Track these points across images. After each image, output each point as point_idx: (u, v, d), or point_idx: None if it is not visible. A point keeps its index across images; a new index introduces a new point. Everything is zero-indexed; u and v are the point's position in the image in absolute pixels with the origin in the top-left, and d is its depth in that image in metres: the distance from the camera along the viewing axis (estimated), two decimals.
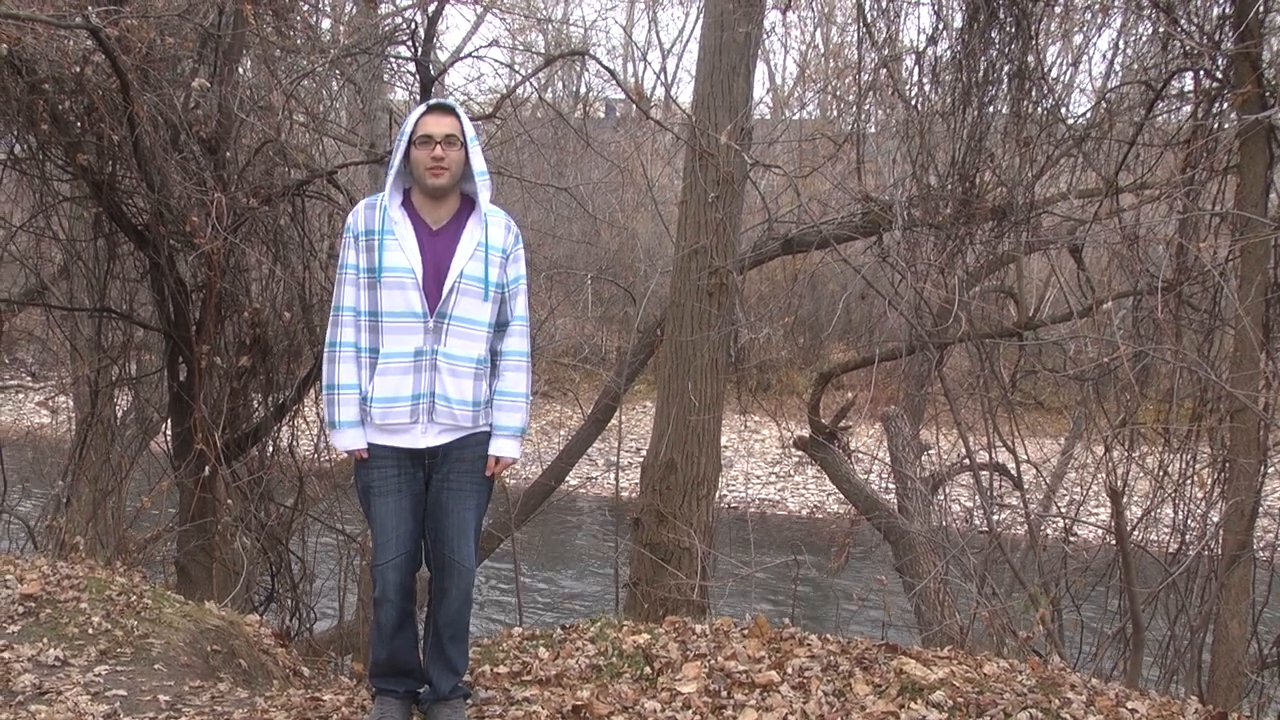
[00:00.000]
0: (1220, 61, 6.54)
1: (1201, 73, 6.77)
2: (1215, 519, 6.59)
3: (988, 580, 7.36)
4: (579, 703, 4.46)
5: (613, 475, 16.70)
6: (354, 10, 12.11)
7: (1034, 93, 7.23)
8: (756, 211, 11.68)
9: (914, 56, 7.67)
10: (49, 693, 4.60)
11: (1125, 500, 6.42)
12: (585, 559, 18.48)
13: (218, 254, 7.41)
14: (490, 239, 4.21)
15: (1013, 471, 8.21)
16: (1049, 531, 9.23)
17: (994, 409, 7.78)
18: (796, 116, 22.81)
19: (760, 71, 28.36)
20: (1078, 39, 8.38)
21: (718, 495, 10.66)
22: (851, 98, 8.99)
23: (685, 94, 27.46)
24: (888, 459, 11.34)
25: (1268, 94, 6.26)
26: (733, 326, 10.04)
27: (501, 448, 4.29)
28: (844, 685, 4.61)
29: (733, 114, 9.49)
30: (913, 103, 7.50)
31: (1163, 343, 6.77)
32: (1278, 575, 6.75)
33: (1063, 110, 7.56)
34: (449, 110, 4.19)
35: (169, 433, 8.79)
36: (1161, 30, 6.93)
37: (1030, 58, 7.12)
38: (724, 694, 4.55)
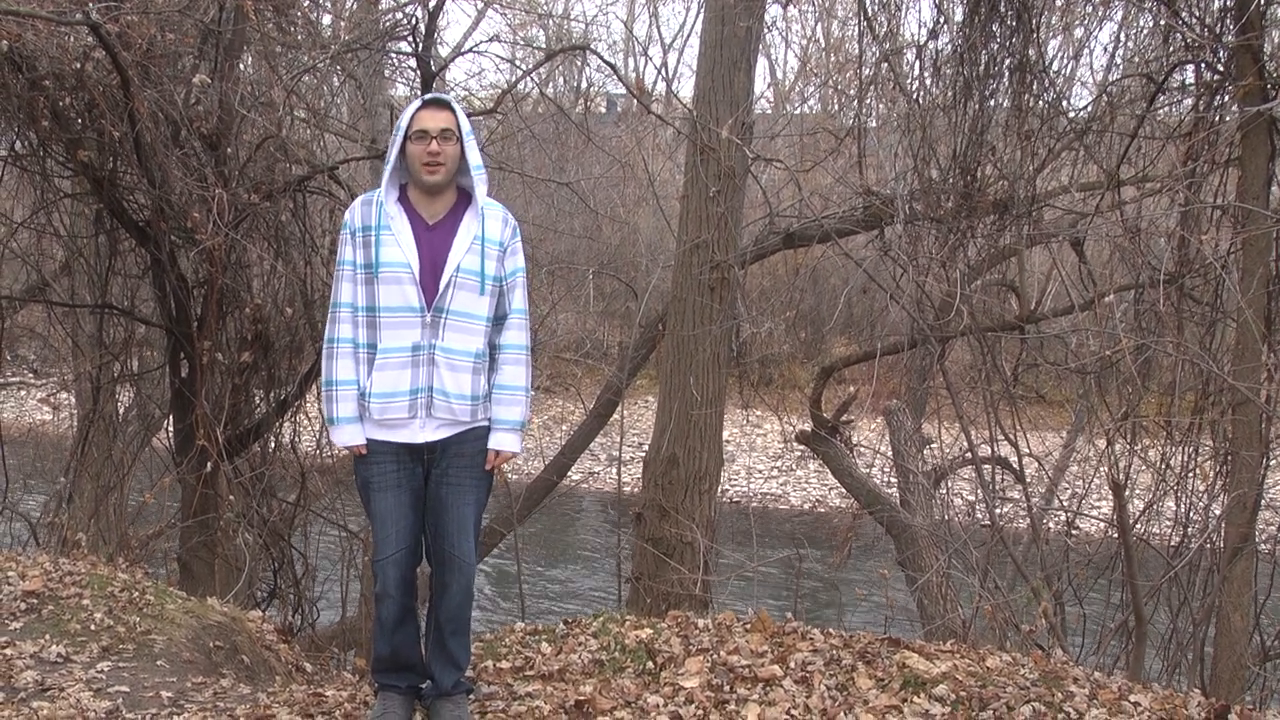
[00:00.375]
0: (1221, 54, 6.54)
1: (1203, 65, 6.76)
2: (1217, 512, 6.59)
3: (990, 574, 7.36)
4: (582, 698, 4.46)
5: (615, 470, 16.69)
6: (355, 6, 12.10)
7: (1035, 86, 7.22)
8: (758, 206, 11.69)
9: (915, 50, 7.66)
10: (51, 689, 4.61)
11: (1127, 493, 6.42)
12: (587, 554, 18.49)
13: (219, 250, 7.40)
14: (487, 232, 4.20)
15: (1015, 465, 8.21)
16: (1051, 525, 9.24)
17: (996, 402, 7.77)
18: (798, 111, 22.80)
19: (761, 66, 28.34)
20: (1079, 32, 8.38)
21: (720, 490, 10.67)
22: (853, 92, 8.98)
23: (686, 89, 27.40)
24: (890, 453, 11.35)
25: (1269, 86, 6.25)
26: (734, 321, 10.04)
27: (501, 441, 4.29)
28: (846, 679, 4.61)
29: (734, 108, 9.49)
30: (914, 96, 7.49)
31: (1164, 335, 6.76)
32: None
33: (1064, 103, 7.56)
34: (444, 105, 4.19)
35: (171, 429, 8.78)
36: (1163, 23, 6.92)
37: (1031, 51, 7.11)
38: (726, 688, 4.55)
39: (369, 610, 7.90)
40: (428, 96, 4.21)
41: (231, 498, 8.28)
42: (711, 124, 9.40)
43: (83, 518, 9.05)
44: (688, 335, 9.68)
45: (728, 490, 20.77)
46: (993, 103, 7.36)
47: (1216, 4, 6.63)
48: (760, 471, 23.31)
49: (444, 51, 13.51)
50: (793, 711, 4.35)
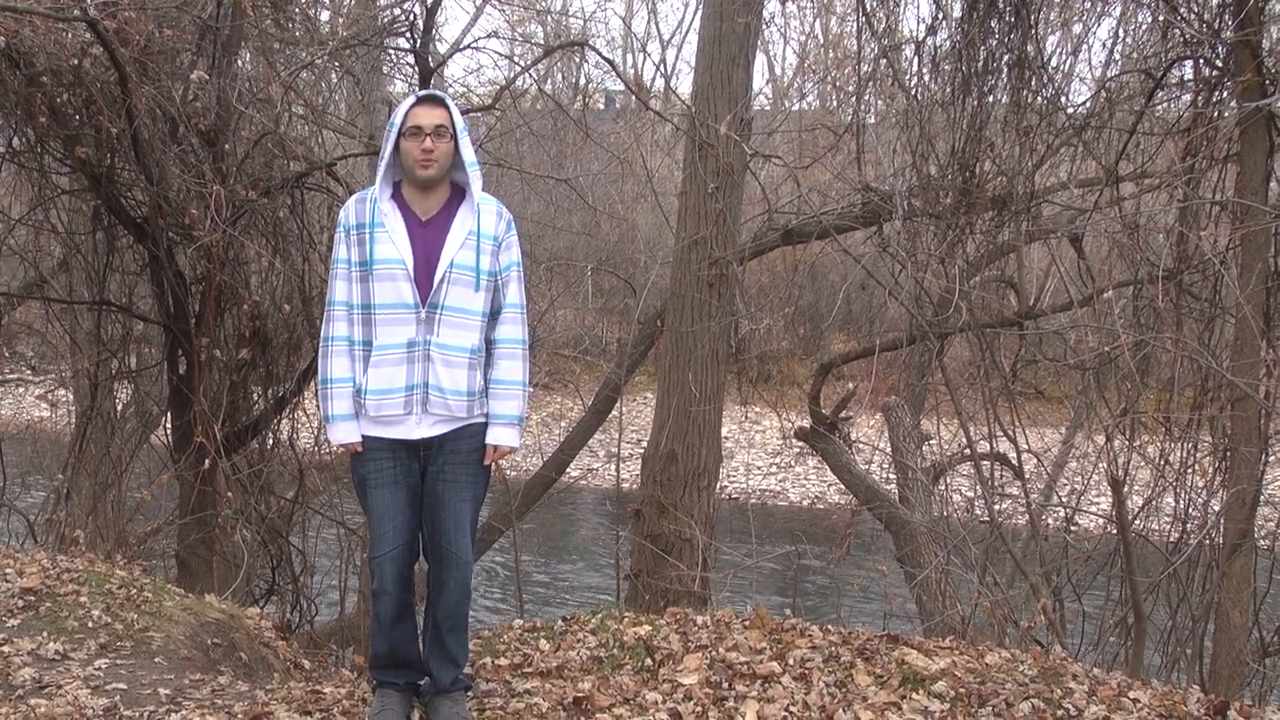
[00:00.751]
0: (1220, 49, 6.53)
1: (1201, 61, 6.75)
2: (1216, 507, 6.58)
3: (989, 570, 7.36)
4: (580, 694, 4.45)
5: (613, 466, 16.69)
6: (353, 2, 12.09)
7: (1034, 82, 7.21)
8: (756, 202, 11.68)
9: (913, 46, 7.65)
10: (49, 686, 4.60)
11: (1126, 489, 6.42)
12: (586, 550, 18.48)
13: (217, 247, 7.39)
14: (482, 227, 4.20)
15: (1014, 461, 8.21)
16: (1050, 521, 9.25)
17: (995, 399, 7.77)
18: (796, 107, 22.77)
19: (760, 62, 28.37)
20: (1077, 28, 8.38)
21: (718, 486, 10.66)
22: (851, 88, 8.99)
23: (685, 85, 27.39)
24: (888, 449, 11.35)
25: (1268, 82, 6.25)
26: (733, 317, 10.03)
27: (498, 436, 4.28)
28: (845, 676, 4.61)
29: (732, 105, 9.47)
30: (912, 92, 7.48)
31: (1163, 331, 6.76)
32: (1279, 564, 6.75)
33: (1063, 99, 7.55)
34: (439, 101, 4.18)
35: (169, 426, 8.77)
36: (1161, 18, 6.92)
37: (1030, 47, 7.11)
38: (725, 685, 4.55)
39: (367, 607, 7.89)
40: (422, 93, 4.21)
41: (230, 495, 8.28)
42: (710, 120, 9.39)
43: (81, 515, 9.05)
44: (686, 331, 9.68)
45: (726, 487, 20.76)
46: (991, 99, 7.36)
47: (1215, 0, 6.62)
48: (759, 468, 23.32)
49: (442, 47, 13.52)
50: (791, 708, 4.34)
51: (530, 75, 12.67)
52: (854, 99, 8.27)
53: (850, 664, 4.72)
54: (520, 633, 5.36)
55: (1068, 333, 8.25)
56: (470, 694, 4.48)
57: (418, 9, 9.65)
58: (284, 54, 8.80)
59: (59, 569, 5.85)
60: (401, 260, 4.11)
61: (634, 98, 12.33)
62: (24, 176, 8.58)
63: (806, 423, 11.69)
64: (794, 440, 12.53)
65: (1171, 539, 6.89)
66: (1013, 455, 8.14)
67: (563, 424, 20.20)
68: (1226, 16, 6.39)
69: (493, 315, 4.28)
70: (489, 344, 4.29)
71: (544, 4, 20.67)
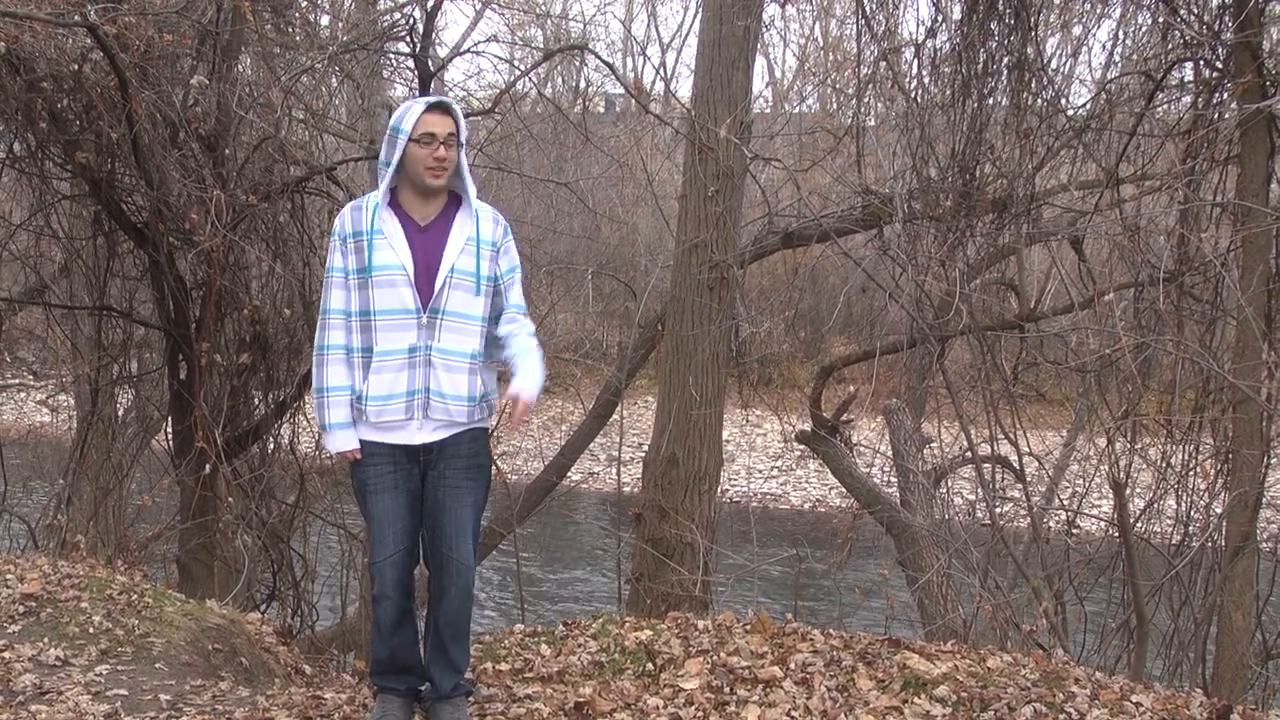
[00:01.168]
0: (1220, 51, 6.53)
1: (1201, 62, 6.75)
2: (1218, 510, 6.58)
3: (990, 574, 7.35)
4: (581, 700, 4.45)
5: (614, 470, 16.68)
6: (352, 6, 12.10)
7: (1034, 84, 7.21)
8: (757, 205, 11.66)
9: (913, 49, 7.65)
10: (50, 692, 4.60)
11: (1128, 492, 6.41)
12: (587, 555, 18.47)
13: (217, 251, 7.39)
14: (481, 233, 4.20)
15: (1015, 464, 8.20)
16: (1052, 524, 9.24)
17: (996, 402, 7.76)
18: (796, 110, 22.75)
19: (759, 65, 28.32)
20: (1077, 30, 8.38)
21: (719, 490, 10.66)
22: (851, 91, 8.97)
23: (685, 88, 27.38)
24: (889, 452, 11.33)
25: (1268, 83, 6.25)
26: (733, 321, 10.02)
27: (521, 387, 4.16)
28: (847, 680, 4.60)
29: (732, 108, 9.47)
30: (912, 95, 7.48)
31: (1164, 334, 6.76)
32: None
33: (1063, 101, 7.55)
34: (448, 109, 4.17)
35: (170, 431, 8.77)
36: (1161, 20, 6.91)
37: (1030, 49, 7.10)
38: (727, 690, 4.54)
39: (368, 612, 7.89)
40: (431, 100, 4.18)
41: (230, 499, 8.28)
42: (710, 123, 9.38)
43: (82, 520, 9.05)
44: (687, 335, 9.67)
45: (727, 490, 20.75)
46: (991, 101, 7.35)
47: (1215, 1, 6.62)
48: (760, 471, 23.30)
49: (442, 52, 13.50)
50: (793, 713, 4.34)
51: (530, 79, 12.69)
52: (854, 102, 8.26)
53: (852, 668, 4.71)
54: (521, 637, 5.35)
55: (1069, 335, 8.25)
56: (471, 699, 4.47)
57: (417, 13, 9.66)
58: (284, 59, 8.80)
59: (60, 574, 5.85)
60: (402, 266, 4.11)
61: (634, 101, 12.33)
62: (25, 182, 8.59)
63: (807, 426, 11.68)
64: (795, 444, 12.51)
65: (1173, 542, 6.89)
66: (1014, 458, 8.13)
67: (563, 428, 20.21)
68: (1226, 18, 6.39)
69: (494, 318, 4.28)
70: (498, 339, 4.27)
71: (543, 8, 20.70)
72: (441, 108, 4.16)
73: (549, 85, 21.94)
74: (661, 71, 28.45)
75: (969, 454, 8.39)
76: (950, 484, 10.75)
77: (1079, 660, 6.09)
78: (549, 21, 22.05)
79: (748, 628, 5.21)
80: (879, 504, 10.32)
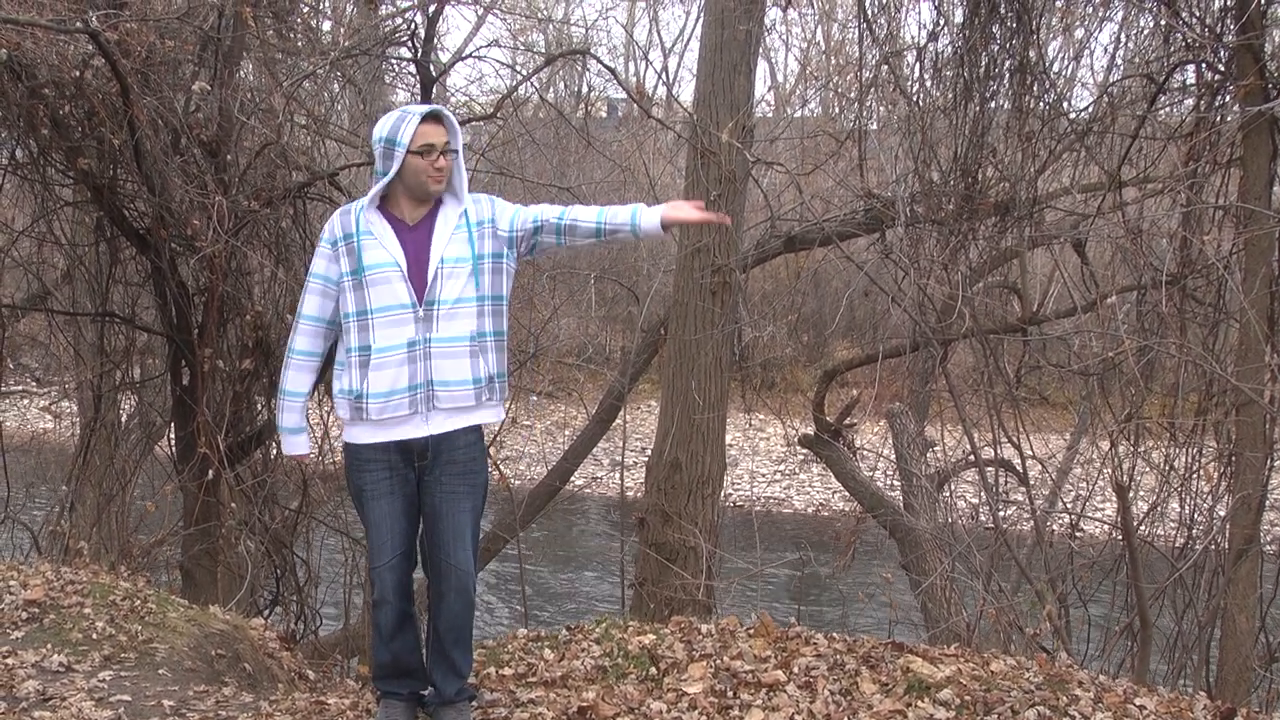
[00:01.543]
0: (1222, 54, 6.53)
1: (1204, 65, 6.75)
2: (1222, 513, 6.58)
3: (994, 577, 7.34)
4: (584, 704, 4.44)
5: (618, 475, 16.68)
6: (354, 12, 12.09)
7: (1036, 87, 7.22)
8: (759, 209, 11.68)
9: (915, 52, 7.65)
10: (53, 699, 4.59)
11: (1131, 495, 6.41)
12: (590, 559, 18.47)
13: (219, 257, 7.39)
14: (469, 217, 4.23)
15: (1018, 467, 8.20)
16: (1055, 527, 9.21)
17: (999, 405, 7.76)
18: (798, 114, 22.78)
19: (761, 69, 28.38)
20: (1079, 33, 8.36)
21: (723, 494, 10.65)
22: (853, 94, 8.96)
23: (687, 93, 27.33)
24: (893, 456, 11.34)
25: (1270, 86, 6.25)
26: (736, 325, 10.02)
27: (652, 212, 4.19)
28: (850, 684, 4.60)
29: (734, 112, 9.48)
30: (914, 99, 7.48)
31: (1167, 337, 6.75)
32: None
33: (1065, 104, 7.55)
34: (442, 118, 4.19)
35: (172, 437, 8.77)
36: (1163, 23, 6.91)
37: (1032, 52, 7.11)
38: (730, 694, 4.54)
39: (370, 617, 7.90)
40: (425, 109, 4.18)
41: (233, 505, 8.27)
42: (712, 128, 9.39)
43: (85, 526, 9.04)
44: (689, 339, 9.67)
45: (731, 494, 20.68)
46: (993, 104, 7.36)
47: (1217, 4, 6.63)
48: (763, 475, 23.29)
49: (444, 57, 13.53)
50: (796, 717, 4.33)
51: (532, 84, 12.66)
52: (856, 105, 8.25)
53: (855, 672, 4.70)
54: (524, 642, 5.35)
55: (1071, 338, 8.25)
56: (475, 704, 4.47)
57: (419, 18, 9.67)
58: (286, 64, 8.80)
59: (63, 581, 5.84)
60: (395, 262, 4.12)
61: (636, 106, 12.33)
62: (27, 188, 8.59)
63: (810, 430, 11.67)
64: (798, 447, 12.51)
65: (1177, 544, 6.89)
66: (1017, 461, 8.13)
67: (566, 432, 20.19)
68: (1228, 20, 6.40)
69: (540, 229, 4.26)
70: (545, 224, 4.25)
71: (545, 13, 20.70)
72: (436, 117, 4.17)
73: (551, 90, 21.93)
74: (663, 76, 28.45)
75: (972, 457, 8.39)
76: (953, 487, 10.74)
77: (1083, 663, 6.08)
78: (551, 26, 22.09)
79: (751, 632, 5.21)
80: (882, 508, 10.31)
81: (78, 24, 6.60)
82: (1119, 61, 8.09)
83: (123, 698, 4.67)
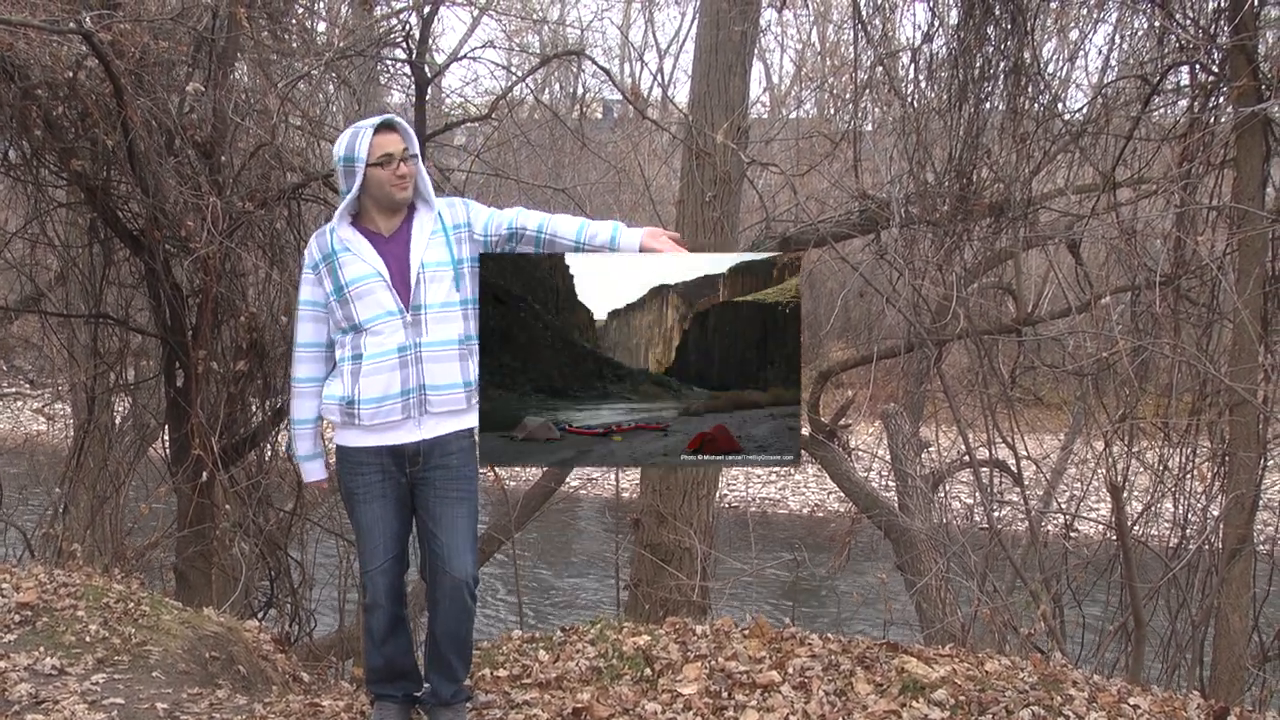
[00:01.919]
0: (1216, 55, 6.54)
1: (1197, 66, 6.76)
2: (1215, 513, 6.58)
3: (989, 577, 7.35)
4: (579, 705, 4.44)
5: (613, 476, 16.68)
6: (349, 13, 12.08)
7: (1030, 88, 7.23)
8: (754, 210, 11.66)
9: (910, 53, 7.67)
10: (46, 702, 4.59)
11: (1125, 495, 6.42)
12: (586, 560, 18.45)
13: (213, 259, 7.38)
14: (445, 222, 4.22)
15: (1013, 468, 8.21)
16: (1049, 528, 9.23)
17: (993, 405, 7.77)
18: (793, 115, 22.74)
19: (757, 70, 28.32)
20: (1074, 34, 8.38)
21: (718, 495, 10.65)
22: (848, 96, 8.97)
23: (682, 94, 27.39)
24: (888, 457, 11.34)
25: (1264, 87, 6.25)
26: None
27: (632, 232, 4.19)
28: (845, 685, 4.59)
29: (729, 113, 9.48)
30: (909, 100, 7.49)
31: (1161, 337, 6.76)
32: (1278, 568, 6.75)
33: (1059, 106, 7.57)
34: (395, 126, 4.17)
35: (166, 439, 8.76)
36: (1157, 24, 6.93)
37: (1026, 53, 7.12)
38: (725, 695, 4.54)
39: (363, 621, 7.89)
40: (376, 121, 4.15)
41: (228, 507, 8.26)
42: (707, 129, 9.39)
43: (78, 528, 9.02)
44: None
45: (726, 495, 20.74)
46: (988, 105, 7.36)
47: (1211, 5, 6.63)
48: (758, 476, 23.29)
49: (439, 58, 13.50)
50: (791, 717, 4.33)
51: (527, 85, 12.66)
52: (851, 107, 8.26)
53: (850, 672, 4.70)
54: (519, 643, 5.34)
55: (1066, 339, 8.26)
56: (470, 705, 4.47)
57: (414, 19, 9.65)
58: (280, 65, 8.79)
59: (56, 583, 5.83)
60: (376, 272, 4.12)
61: (631, 107, 12.33)
62: (20, 190, 8.58)
63: (805, 430, 11.68)
64: None
65: (1171, 544, 6.89)
66: (1012, 462, 8.14)
67: None
68: (1222, 22, 6.41)
69: (511, 238, 4.24)
70: (522, 233, 4.24)
71: (540, 14, 20.70)
72: (389, 126, 4.16)
73: (546, 91, 21.93)
74: (659, 77, 28.51)
75: (967, 458, 8.40)
76: (948, 488, 10.76)
77: (1077, 663, 6.08)
78: (546, 27, 22.04)
79: (746, 632, 5.20)
80: (877, 508, 10.32)
81: (71, 24, 6.59)
82: (1113, 63, 8.10)
83: (116, 700, 4.66)
